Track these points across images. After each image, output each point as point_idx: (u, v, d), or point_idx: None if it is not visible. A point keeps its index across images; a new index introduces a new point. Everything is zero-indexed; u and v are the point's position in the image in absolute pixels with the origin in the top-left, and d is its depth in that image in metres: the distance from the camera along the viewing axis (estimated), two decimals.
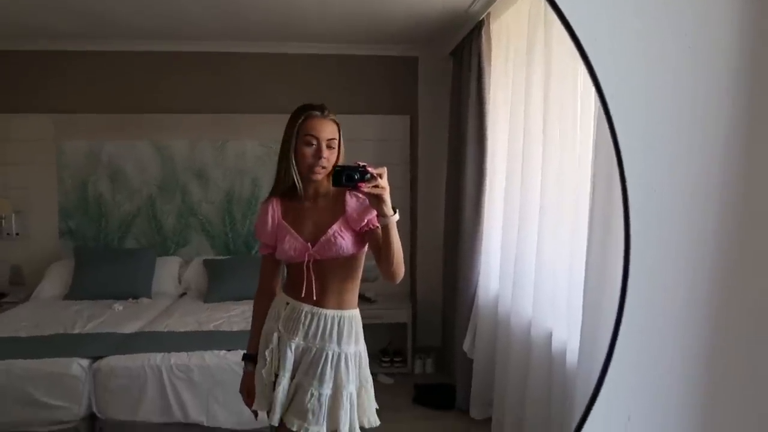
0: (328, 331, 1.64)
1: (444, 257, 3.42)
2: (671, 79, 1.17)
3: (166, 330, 2.75)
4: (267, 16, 3.07)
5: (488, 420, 2.78)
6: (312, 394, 1.61)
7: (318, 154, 1.59)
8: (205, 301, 3.20)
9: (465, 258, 3.05)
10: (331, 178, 1.58)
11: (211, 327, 2.79)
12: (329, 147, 1.60)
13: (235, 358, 2.38)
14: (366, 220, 1.61)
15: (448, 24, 3.14)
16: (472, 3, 2.82)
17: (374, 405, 1.71)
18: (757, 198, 1.22)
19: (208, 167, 3.62)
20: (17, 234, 3.44)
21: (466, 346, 2.98)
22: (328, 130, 1.60)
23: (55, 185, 3.55)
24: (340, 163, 1.62)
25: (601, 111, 1.14)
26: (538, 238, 2.26)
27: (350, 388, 1.65)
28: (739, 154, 1.20)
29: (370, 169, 1.46)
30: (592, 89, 1.15)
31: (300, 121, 1.60)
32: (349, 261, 1.66)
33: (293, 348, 1.64)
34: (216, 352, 2.50)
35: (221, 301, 3.15)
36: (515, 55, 2.57)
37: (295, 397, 1.63)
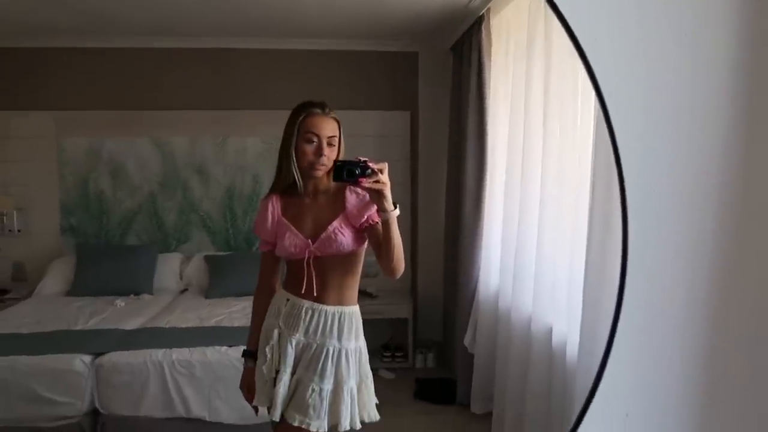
0: (328, 327, 1.65)
1: (445, 252, 3.42)
2: (670, 79, 1.18)
3: (167, 326, 2.76)
4: (267, 12, 3.07)
5: (489, 414, 2.79)
6: (313, 390, 1.62)
7: (319, 152, 1.60)
8: (207, 297, 3.21)
9: (465, 253, 3.05)
10: (331, 174, 1.59)
11: (212, 323, 2.80)
12: (330, 144, 1.61)
13: (236, 353, 2.39)
14: (366, 216, 1.62)
15: (448, 19, 3.13)
16: None
17: (374, 400, 1.73)
18: (756, 198, 1.23)
19: (208, 164, 3.63)
20: (19, 231, 3.45)
21: (466, 341, 2.99)
22: (328, 127, 1.61)
23: (57, 182, 3.55)
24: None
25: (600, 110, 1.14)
26: (538, 233, 2.27)
27: (351, 384, 1.66)
28: (738, 154, 1.21)
29: (370, 164, 1.47)
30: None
31: (301, 118, 1.60)
32: (349, 257, 1.67)
33: (294, 344, 1.65)
34: (217, 347, 2.51)
35: (222, 297, 3.16)
36: (515, 49, 2.57)
37: (296, 393, 1.64)
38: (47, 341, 2.56)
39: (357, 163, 1.47)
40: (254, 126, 3.55)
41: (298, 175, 1.63)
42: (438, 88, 3.54)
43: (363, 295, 3.19)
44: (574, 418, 1.25)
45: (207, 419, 2.44)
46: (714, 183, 1.20)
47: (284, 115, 1.65)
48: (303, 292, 1.65)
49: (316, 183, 1.67)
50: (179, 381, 2.43)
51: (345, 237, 1.62)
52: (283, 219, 1.68)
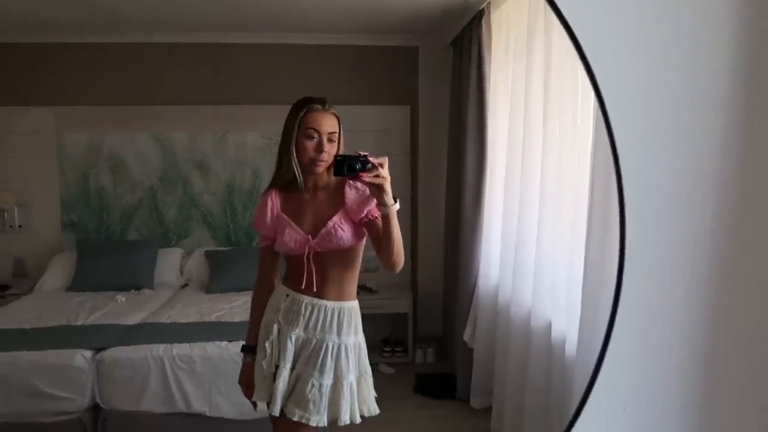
0: (328, 323, 1.66)
1: (445, 247, 3.43)
2: (670, 79, 1.18)
3: (168, 321, 2.77)
4: (267, 7, 3.06)
5: (488, 409, 2.80)
6: (313, 385, 1.63)
7: (320, 148, 1.61)
8: (207, 292, 3.22)
9: (465, 248, 3.06)
10: (331, 169, 1.60)
11: (213, 318, 2.81)
12: (330, 140, 1.62)
13: (236, 348, 2.37)
14: (365, 211, 1.63)
15: (449, 14, 3.13)
16: None
17: (373, 394, 1.74)
18: (755, 197, 1.23)
19: (208, 159, 3.62)
20: (20, 226, 3.45)
21: (466, 336, 2.99)
22: (329, 123, 1.62)
23: (57, 178, 3.55)
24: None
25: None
26: (538, 228, 2.27)
27: (350, 378, 1.67)
28: (737, 154, 1.21)
29: (371, 158, 1.48)
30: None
31: (302, 114, 1.61)
32: (349, 253, 1.68)
33: (293, 339, 1.65)
34: (218, 343, 2.52)
35: (223, 292, 3.16)
36: (515, 44, 2.57)
37: (296, 388, 1.65)
38: (48, 337, 2.57)
39: (357, 158, 1.48)
40: (254, 121, 3.54)
41: (299, 170, 1.64)
42: (438, 83, 3.53)
43: (363, 290, 3.20)
44: (572, 412, 1.25)
45: (207, 414, 2.45)
46: (713, 183, 1.20)
47: (284, 110, 1.66)
48: (303, 287, 1.65)
49: (316, 179, 1.68)
50: (180, 376, 2.44)
51: (345, 232, 1.63)
52: (283, 214, 1.68)
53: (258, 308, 1.78)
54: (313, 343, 1.66)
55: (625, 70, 1.16)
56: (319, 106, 1.63)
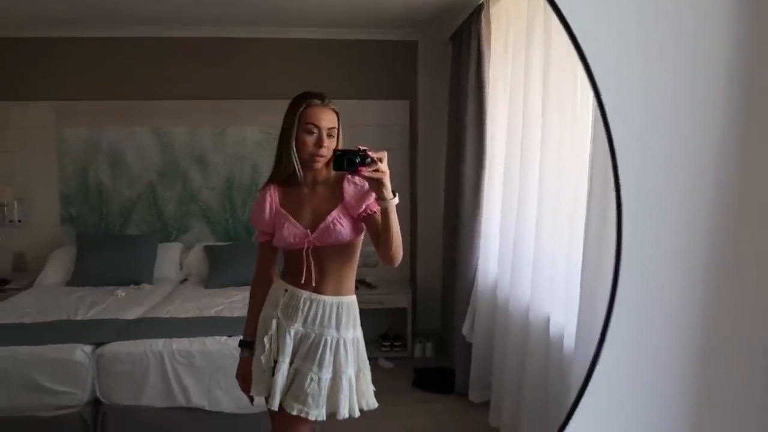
0: (327, 317, 1.67)
1: (444, 242, 3.43)
2: (669, 78, 1.19)
3: (167, 316, 2.77)
4: (266, 1, 3.06)
5: (487, 403, 2.80)
6: (312, 379, 1.64)
7: (319, 143, 1.61)
8: (206, 287, 3.22)
9: (464, 242, 3.06)
10: (330, 165, 1.61)
11: (212, 313, 2.81)
12: (329, 136, 1.63)
13: (236, 343, 2.35)
14: (364, 206, 1.64)
15: (448, 8, 3.12)
16: None
17: (372, 388, 1.74)
18: (752, 196, 1.23)
19: (208, 153, 3.61)
20: (19, 221, 3.45)
21: (465, 331, 3.00)
22: (328, 119, 1.63)
23: (56, 172, 3.54)
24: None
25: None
26: (536, 223, 2.28)
27: (349, 372, 1.68)
28: (735, 153, 1.21)
29: (370, 153, 1.49)
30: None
31: (301, 109, 1.62)
32: (347, 247, 1.69)
33: (292, 334, 1.66)
34: (217, 337, 2.53)
35: (222, 287, 3.16)
36: (515, 39, 2.57)
37: (294, 382, 1.66)
38: (48, 331, 2.57)
39: (357, 152, 1.49)
40: (253, 116, 3.54)
41: (299, 165, 1.64)
42: (437, 78, 3.52)
43: (362, 285, 3.20)
44: (569, 407, 1.26)
45: (207, 408, 2.45)
46: (710, 183, 1.21)
47: (283, 104, 1.66)
48: (302, 282, 1.66)
49: (315, 174, 1.69)
50: (179, 371, 2.44)
51: (344, 227, 1.64)
52: (281, 209, 1.69)
53: (256, 303, 1.78)
54: (312, 337, 1.66)
55: (623, 70, 1.16)
56: (318, 102, 1.63)
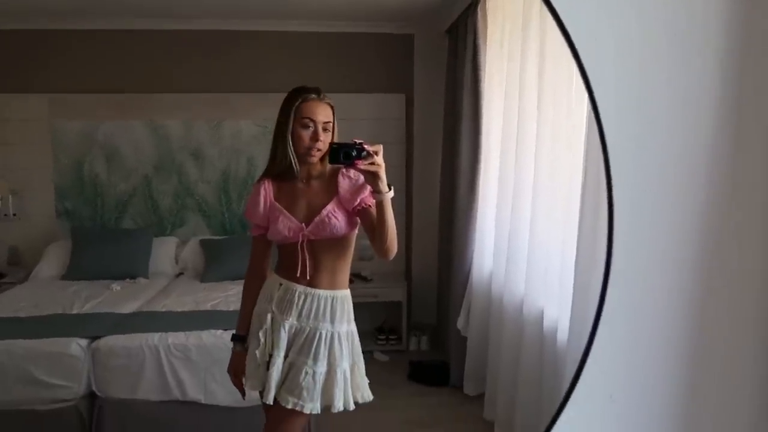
0: (321, 311, 1.67)
1: (439, 235, 3.44)
2: (662, 78, 1.19)
3: (163, 310, 2.78)
4: None
5: (481, 396, 2.82)
6: (306, 372, 1.65)
7: (315, 137, 1.62)
8: (202, 281, 3.23)
9: (460, 236, 3.07)
10: (325, 159, 1.62)
11: (208, 306, 2.82)
12: (325, 130, 1.63)
13: None
14: (359, 200, 1.64)
15: (444, 1, 3.12)
16: None
17: (366, 381, 1.75)
18: (743, 194, 1.24)
19: (203, 147, 3.61)
20: (14, 215, 3.45)
21: (460, 324, 3.02)
22: (324, 113, 1.63)
23: (51, 166, 3.53)
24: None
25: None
26: (531, 217, 2.28)
27: (344, 366, 1.69)
28: (727, 154, 1.22)
29: (366, 146, 1.49)
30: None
31: (297, 103, 1.62)
32: (342, 241, 1.69)
33: (287, 328, 1.67)
34: (213, 331, 2.53)
35: (218, 281, 3.17)
36: (511, 32, 2.57)
37: (289, 376, 1.66)
38: (44, 325, 2.57)
39: (353, 146, 1.49)
40: (249, 109, 3.53)
41: (295, 159, 1.64)
42: (433, 71, 3.52)
43: (357, 278, 3.21)
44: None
45: (203, 402, 2.46)
46: (702, 181, 1.22)
47: (278, 98, 1.66)
48: (297, 275, 1.66)
49: (309, 168, 1.69)
50: (175, 364, 2.45)
51: (338, 221, 1.65)
52: (276, 203, 1.69)
53: (249, 297, 1.79)
54: (307, 331, 1.67)
55: (616, 69, 1.16)
56: (314, 96, 1.64)
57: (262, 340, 1.68)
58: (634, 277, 1.21)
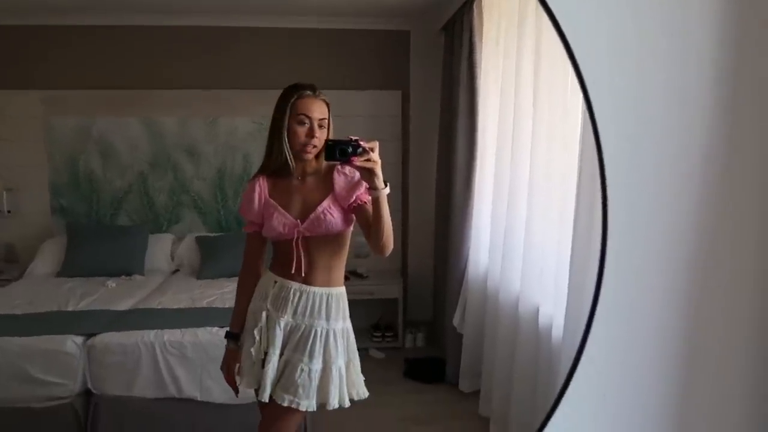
0: (316, 309, 1.68)
1: (435, 232, 3.44)
2: (657, 78, 1.19)
3: (159, 307, 2.77)
4: None
5: (477, 393, 2.83)
6: (302, 370, 1.65)
7: (311, 134, 1.62)
8: (198, 278, 3.22)
9: (456, 233, 3.07)
10: (320, 156, 1.62)
11: (204, 304, 2.81)
12: (320, 126, 1.64)
13: None
14: (354, 197, 1.64)
15: None
16: None
17: (362, 378, 1.76)
18: (737, 194, 1.24)
19: (199, 144, 3.60)
20: (9, 212, 3.43)
21: (455, 321, 3.02)
22: (319, 110, 1.63)
23: (46, 162, 3.52)
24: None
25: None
26: (527, 214, 2.29)
27: (339, 363, 1.70)
28: (721, 154, 1.22)
29: (362, 143, 1.49)
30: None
31: (293, 100, 1.62)
32: (337, 238, 1.70)
33: (282, 326, 1.67)
34: (209, 328, 2.53)
35: (214, 278, 3.16)
36: (506, 31, 2.57)
37: (285, 374, 1.67)
38: (39, 322, 2.56)
39: (349, 142, 1.50)
40: (245, 106, 3.52)
41: (290, 156, 1.64)
42: (429, 68, 3.52)
43: (353, 275, 3.22)
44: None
45: (198, 399, 2.46)
46: (697, 182, 1.22)
47: (274, 94, 1.66)
48: (291, 272, 1.66)
49: (305, 165, 1.69)
50: (171, 362, 2.45)
51: (334, 217, 1.65)
52: (270, 200, 1.69)
53: (243, 294, 1.79)
54: (302, 328, 1.67)
55: (611, 69, 1.17)
56: (309, 92, 1.64)
57: (258, 337, 1.68)
58: (628, 277, 1.22)
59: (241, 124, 3.58)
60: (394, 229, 1.61)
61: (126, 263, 3.30)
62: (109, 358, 2.43)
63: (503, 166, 2.56)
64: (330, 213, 1.65)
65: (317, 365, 1.67)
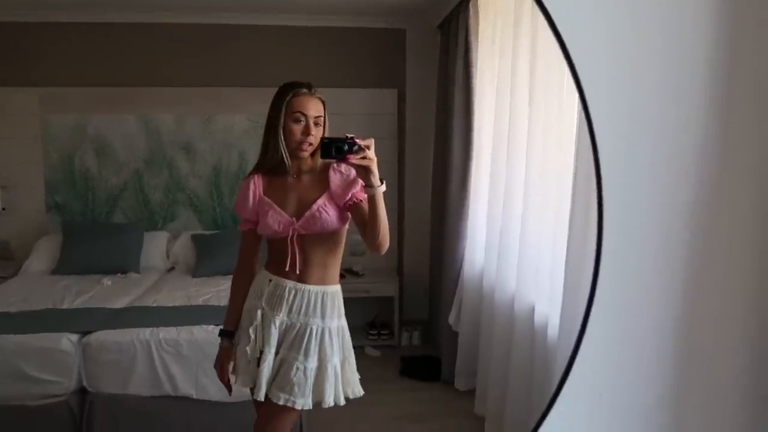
0: (312, 307, 1.68)
1: (431, 231, 3.44)
2: (653, 78, 1.20)
3: (154, 305, 2.77)
4: None
5: (472, 391, 2.84)
6: (298, 368, 1.65)
7: (307, 131, 1.62)
8: (194, 276, 3.22)
9: (451, 232, 3.08)
10: (316, 154, 1.62)
11: (199, 301, 2.81)
12: (316, 124, 1.64)
13: None
14: (350, 195, 1.64)
15: None
16: None
17: (357, 376, 1.76)
18: (732, 193, 1.25)
19: (195, 141, 3.59)
20: (4, 209, 3.42)
21: (451, 320, 3.03)
22: (315, 107, 1.63)
23: (41, 159, 3.51)
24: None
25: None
26: (522, 214, 2.29)
27: (335, 361, 1.70)
28: (716, 154, 1.22)
29: (358, 140, 1.49)
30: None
31: (288, 97, 1.62)
32: (332, 236, 1.70)
33: (277, 324, 1.67)
34: (204, 326, 2.53)
35: (210, 276, 3.16)
36: (502, 30, 2.57)
37: (280, 372, 1.66)
38: (34, 320, 2.56)
39: (344, 140, 1.50)
40: (241, 103, 3.52)
41: (286, 154, 1.64)
42: (425, 67, 3.52)
43: (349, 273, 3.22)
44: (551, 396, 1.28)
45: (194, 397, 2.46)
46: (692, 181, 1.22)
47: (270, 92, 1.66)
48: (286, 270, 1.66)
49: (300, 163, 1.69)
50: (166, 360, 2.45)
51: (329, 215, 1.65)
52: (265, 198, 1.69)
53: (238, 292, 1.79)
54: (297, 327, 1.67)
55: (607, 69, 1.17)
56: (305, 90, 1.64)
57: (253, 336, 1.68)
58: (623, 276, 1.22)
59: (237, 121, 3.58)
60: (390, 228, 1.61)
61: (121, 261, 3.29)
62: (104, 356, 2.43)
63: (499, 165, 2.57)
64: (325, 211, 1.65)
65: (312, 364, 1.67)
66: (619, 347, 1.25)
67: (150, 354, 2.44)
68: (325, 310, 1.69)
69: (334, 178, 1.66)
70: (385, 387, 2.84)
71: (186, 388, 2.46)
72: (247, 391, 1.75)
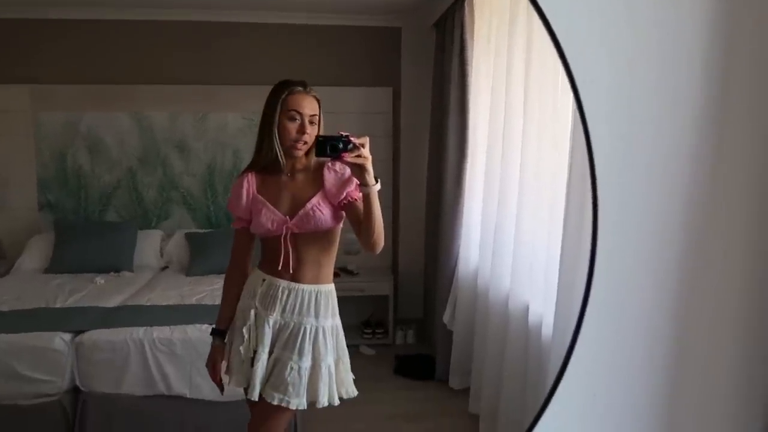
0: (305, 306, 1.67)
1: (426, 230, 3.44)
2: (648, 78, 1.19)
3: (148, 304, 2.76)
4: None
5: (467, 390, 2.84)
6: (292, 368, 1.65)
7: (302, 130, 1.61)
8: (188, 275, 3.20)
9: (446, 230, 3.08)
10: (310, 152, 1.61)
11: (193, 300, 2.80)
12: (311, 123, 1.64)
13: None
14: (345, 193, 1.64)
15: None
16: None
17: (351, 376, 1.76)
18: (727, 194, 1.25)
19: (189, 139, 3.57)
20: None
21: (446, 318, 3.03)
22: (310, 106, 1.63)
23: (33, 157, 3.48)
24: None
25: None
26: (517, 212, 2.29)
27: (329, 361, 1.69)
28: (711, 154, 1.22)
29: (352, 138, 1.49)
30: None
31: (283, 95, 1.62)
32: (326, 235, 1.69)
33: (271, 324, 1.66)
34: (198, 325, 2.52)
35: (203, 275, 3.15)
36: (498, 29, 2.57)
37: (274, 372, 1.66)
38: (26, 319, 2.54)
39: (339, 138, 1.49)
40: (235, 101, 3.51)
41: (281, 152, 1.64)
42: (421, 65, 3.51)
43: (344, 272, 3.21)
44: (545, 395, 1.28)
45: (188, 396, 2.45)
46: (687, 182, 1.23)
47: (265, 90, 1.66)
48: (280, 268, 1.66)
49: (294, 162, 1.69)
50: (160, 359, 2.44)
51: (324, 214, 1.64)
52: (259, 196, 1.69)
53: (230, 291, 1.79)
54: (291, 326, 1.67)
55: (602, 69, 1.17)
56: (300, 89, 1.64)
57: (246, 336, 1.67)
58: (618, 276, 1.22)
59: (231, 119, 3.56)
60: (384, 226, 1.61)
61: (115, 260, 3.28)
62: (97, 355, 2.42)
63: (494, 164, 2.57)
64: (319, 209, 1.65)
65: (306, 363, 1.66)
66: (614, 347, 1.25)
67: (143, 353, 2.43)
68: (319, 309, 1.68)
69: (329, 177, 1.65)
70: (379, 386, 2.84)
71: (179, 387, 2.45)
72: (241, 390, 1.74)
